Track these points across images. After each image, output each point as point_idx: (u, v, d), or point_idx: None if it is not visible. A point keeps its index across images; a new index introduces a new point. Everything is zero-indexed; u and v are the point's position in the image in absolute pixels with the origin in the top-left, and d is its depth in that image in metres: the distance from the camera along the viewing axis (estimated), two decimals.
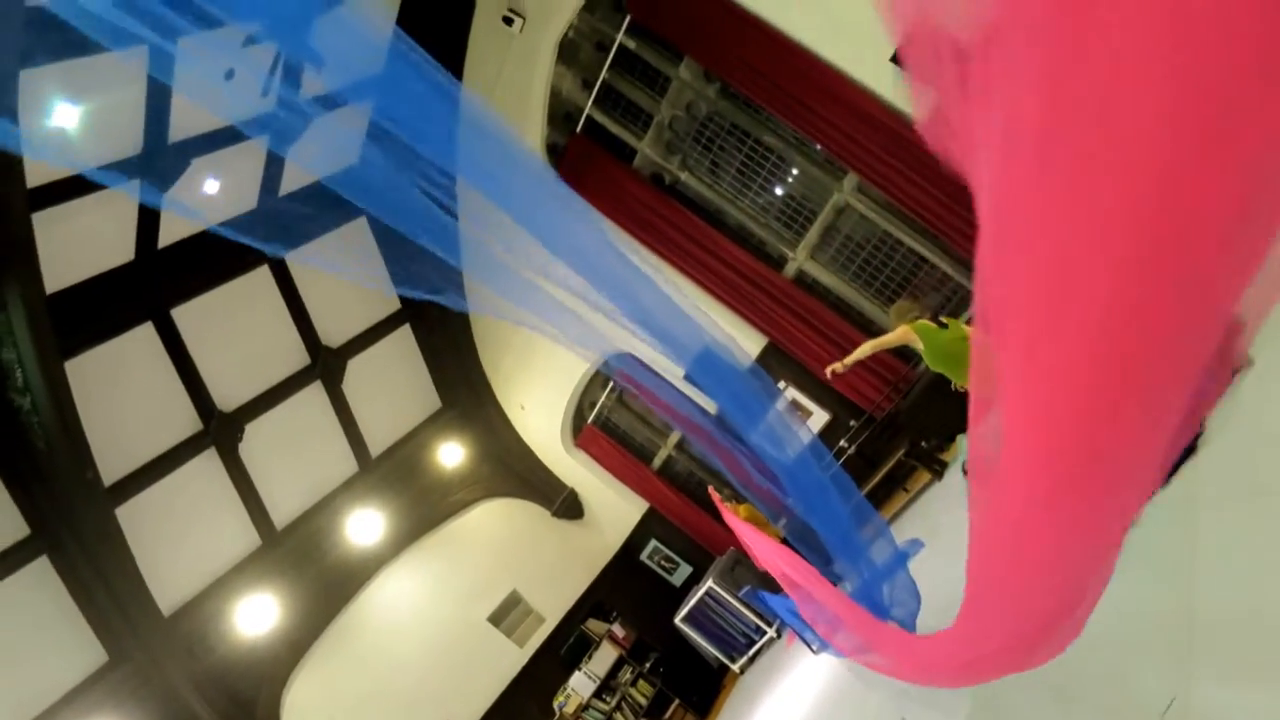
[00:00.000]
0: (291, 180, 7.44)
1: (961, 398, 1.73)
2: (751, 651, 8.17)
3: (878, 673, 3.90)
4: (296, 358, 8.34)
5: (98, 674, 6.94)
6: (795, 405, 7.92)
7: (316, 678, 8.36)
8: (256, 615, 8.02)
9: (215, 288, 7.39)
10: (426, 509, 9.58)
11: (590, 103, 7.67)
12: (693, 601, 8.26)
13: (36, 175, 5.40)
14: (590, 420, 9.90)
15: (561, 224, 2.71)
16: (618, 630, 9.26)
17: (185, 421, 7.42)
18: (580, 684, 8.77)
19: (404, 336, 9.43)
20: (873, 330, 7.36)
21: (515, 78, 7.68)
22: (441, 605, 9.24)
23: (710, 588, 7.94)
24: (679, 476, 9.83)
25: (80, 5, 2.14)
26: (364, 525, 8.96)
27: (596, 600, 9.65)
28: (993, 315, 1.35)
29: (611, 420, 9.95)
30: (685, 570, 9.90)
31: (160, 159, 6.18)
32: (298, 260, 7.90)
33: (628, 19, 7.06)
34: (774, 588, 6.06)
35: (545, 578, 9.78)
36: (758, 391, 3.75)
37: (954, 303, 6.94)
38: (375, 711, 8.42)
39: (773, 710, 6.75)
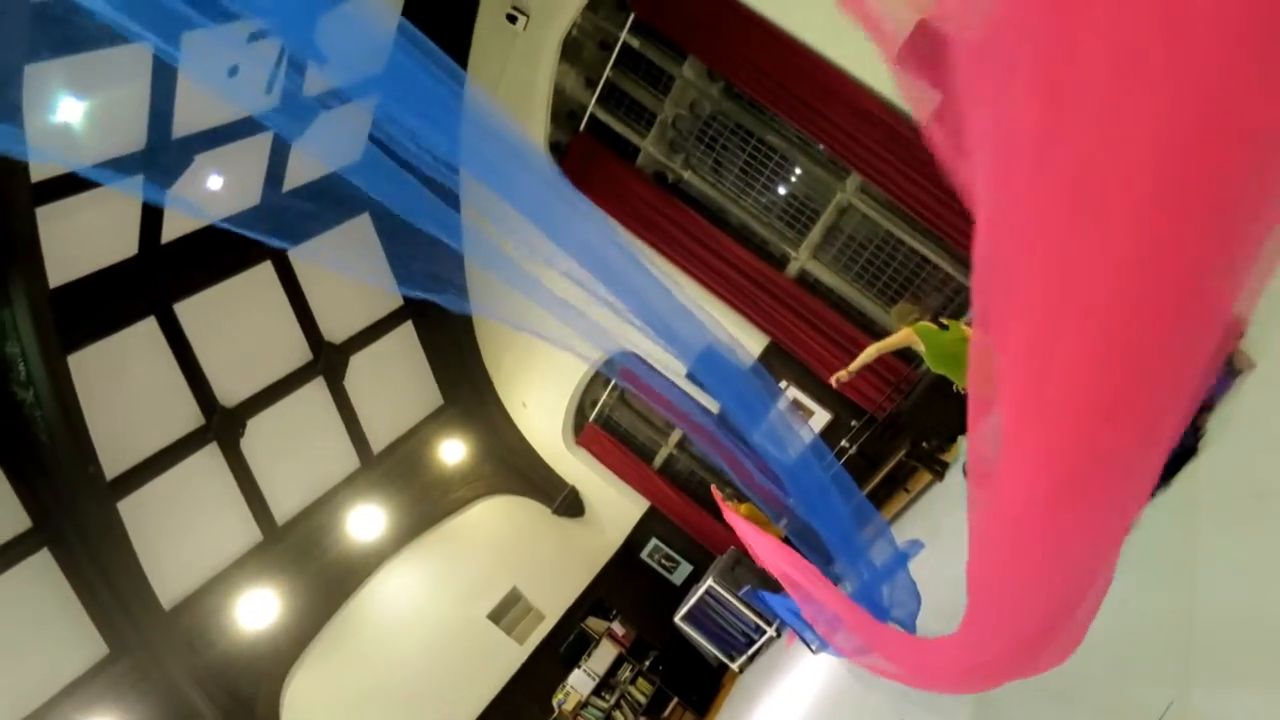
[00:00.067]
0: (295, 177, 7.45)
1: (963, 399, 1.73)
2: (751, 651, 8.18)
3: (877, 675, 3.90)
4: (299, 353, 8.35)
5: (98, 667, 6.95)
6: (797, 405, 7.92)
7: (316, 673, 8.38)
8: (257, 610, 8.03)
9: (218, 283, 7.40)
10: (427, 506, 9.59)
11: (594, 101, 7.67)
12: (693, 600, 8.26)
13: (41, 170, 5.41)
14: (592, 418, 9.90)
15: (566, 221, 2.71)
16: (617, 628, 9.27)
17: (187, 416, 7.43)
18: (579, 681, 8.78)
19: (406, 333, 9.44)
20: (874, 330, 7.35)
21: (519, 75, 7.68)
22: (442, 602, 9.26)
23: (710, 586, 7.94)
24: (680, 475, 9.83)
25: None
26: (365, 521, 8.97)
27: (596, 598, 9.66)
28: (992, 316, 1.35)
29: (613, 418, 9.95)
30: (685, 569, 9.91)
31: (164, 155, 6.19)
32: (301, 257, 7.91)
33: (631, 17, 7.05)
34: (774, 587, 6.07)
35: (545, 575, 9.79)
36: (759, 391, 3.75)
37: (956, 303, 6.93)
38: (375, 707, 8.43)
39: (772, 710, 6.76)
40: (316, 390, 8.54)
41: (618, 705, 8.84)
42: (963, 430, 2.88)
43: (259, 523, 8.21)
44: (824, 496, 4.05)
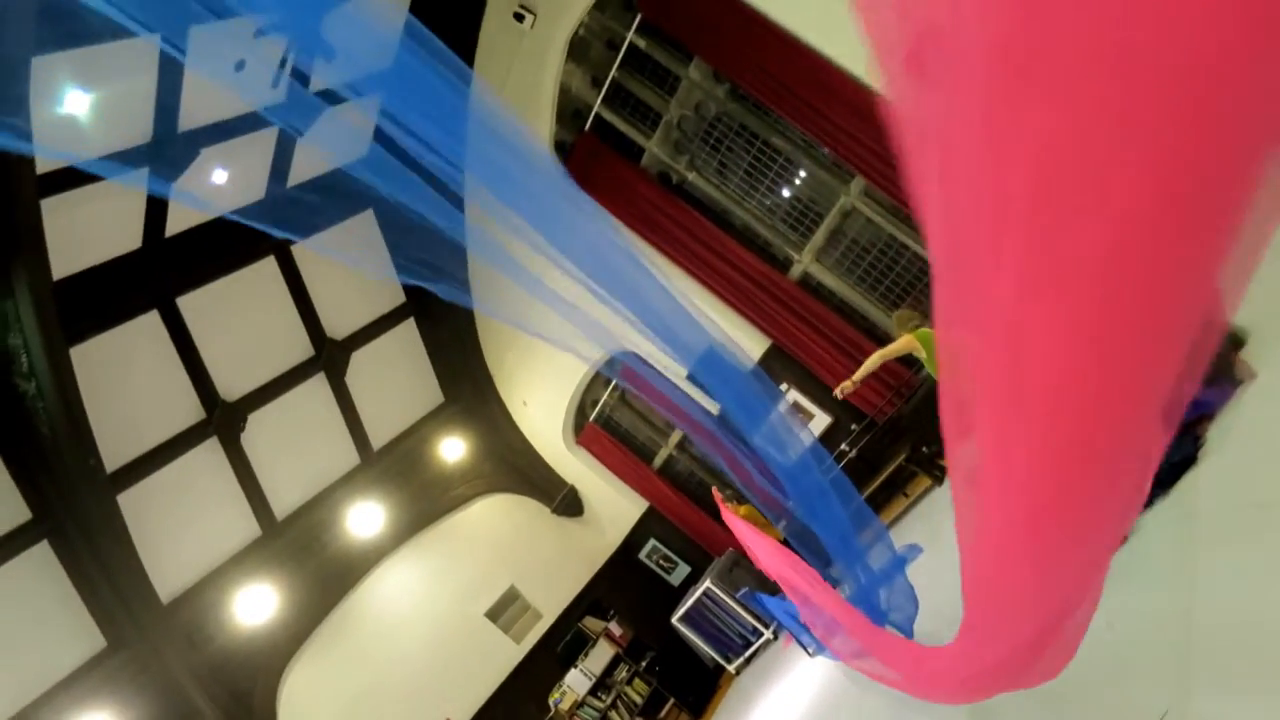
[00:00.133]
0: (300, 171, 7.46)
1: None
2: (748, 653, 8.17)
3: (874, 680, 3.89)
4: (301, 349, 8.36)
5: (95, 660, 6.96)
6: (797, 408, 7.92)
7: (314, 669, 8.38)
8: (255, 605, 8.04)
9: (221, 277, 7.41)
10: (427, 503, 9.59)
11: (599, 101, 7.67)
12: (690, 601, 8.26)
13: (46, 161, 5.41)
14: (592, 418, 9.91)
15: (569, 220, 2.71)
16: (614, 628, 9.27)
17: (188, 410, 7.44)
18: (576, 681, 8.77)
19: (408, 330, 9.45)
20: (876, 334, 7.35)
21: (525, 74, 7.68)
22: (440, 599, 9.26)
23: (708, 588, 7.94)
24: (679, 476, 9.83)
25: None
26: (364, 518, 8.97)
27: (594, 598, 9.66)
28: (956, 351, 1.32)
29: (613, 419, 9.96)
30: (683, 570, 9.91)
31: (170, 148, 6.19)
32: (305, 249, 7.92)
33: (638, 18, 7.06)
34: (772, 589, 6.07)
35: (543, 574, 9.79)
36: (760, 393, 3.74)
37: None
38: (371, 703, 8.44)
39: (768, 713, 6.75)
40: (318, 386, 8.55)
41: (614, 705, 8.84)
42: None
43: (258, 518, 8.22)
44: (823, 499, 4.05)
